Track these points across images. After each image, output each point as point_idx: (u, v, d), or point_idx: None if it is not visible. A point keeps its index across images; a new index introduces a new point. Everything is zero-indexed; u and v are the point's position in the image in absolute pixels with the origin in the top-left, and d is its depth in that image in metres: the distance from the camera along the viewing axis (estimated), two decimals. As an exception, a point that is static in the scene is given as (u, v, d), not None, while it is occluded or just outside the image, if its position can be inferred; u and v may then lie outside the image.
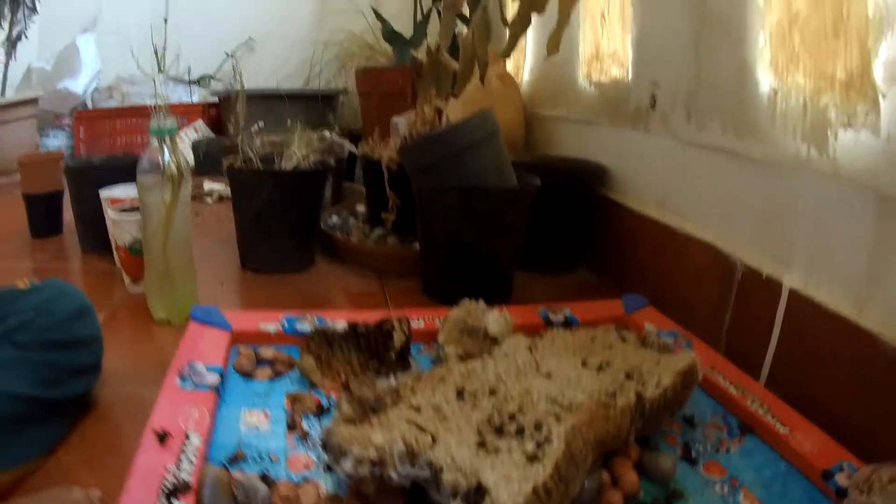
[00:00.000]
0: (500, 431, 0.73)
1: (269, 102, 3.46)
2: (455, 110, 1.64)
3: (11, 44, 3.41)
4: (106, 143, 3.80)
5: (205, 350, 1.00)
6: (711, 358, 1.06)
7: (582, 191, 1.64)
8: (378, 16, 3.11)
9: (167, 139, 1.24)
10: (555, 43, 1.43)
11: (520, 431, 0.72)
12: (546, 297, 1.37)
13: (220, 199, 2.49)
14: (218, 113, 3.93)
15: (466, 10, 1.81)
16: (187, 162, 1.27)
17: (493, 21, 1.43)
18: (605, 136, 1.73)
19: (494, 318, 1.05)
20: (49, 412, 0.85)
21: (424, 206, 1.40)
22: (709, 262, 1.23)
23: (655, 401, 0.80)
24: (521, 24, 1.46)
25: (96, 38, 4.06)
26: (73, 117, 3.91)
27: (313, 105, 3.62)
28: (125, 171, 1.68)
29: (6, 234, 2.04)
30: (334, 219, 1.90)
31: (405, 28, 3.07)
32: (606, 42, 1.80)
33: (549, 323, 1.18)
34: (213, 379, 0.91)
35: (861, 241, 0.91)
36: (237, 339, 1.08)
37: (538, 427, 0.71)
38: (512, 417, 0.74)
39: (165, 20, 4.26)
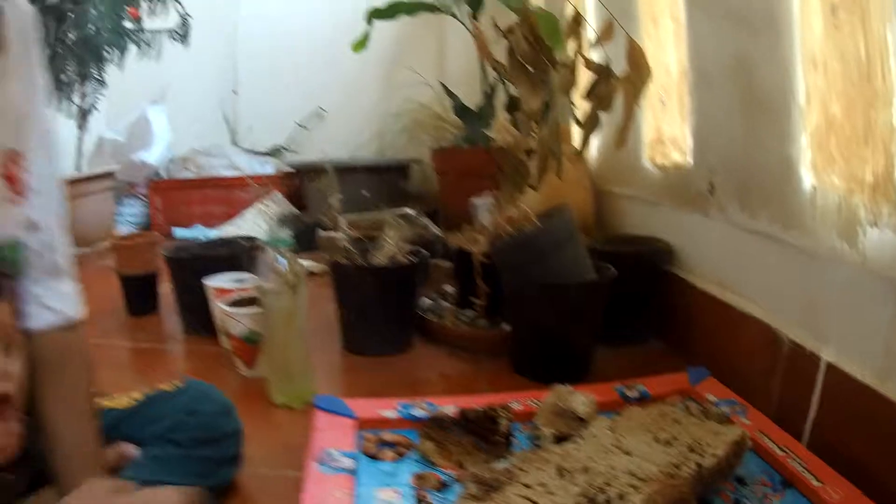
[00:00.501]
0: (592, 502, 0.99)
1: (343, 174, 3.76)
2: (531, 194, 1.91)
3: (82, 116, 3.78)
4: (183, 213, 4.13)
5: (336, 437, 1.27)
6: (761, 422, 1.32)
7: (650, 268, 1.90)
8: (446, 90, 3.40)
9: (282, 249, 1.54)
10: (622, 138, 1.72)
11: (608, 502, 0.98)
12: (620, 369, 1.65)
13: (310, 275, 2.70)
14: (293, 183, 4.22)
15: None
16: (302, 267, 1.57)
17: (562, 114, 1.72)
18: (671, 216, 1.97)
19: (581, 401, 1.32)
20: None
21: (514, 299, 1.68)
22: (761, 336, 1.48)
23: (712, 469, 1.06)
24: (591, 123, 1.75)
25: (166, 110, 4.38)
26: (148, 187, 4.25)
27: (387, 175, 3.90)
28: (224, 260, 2.01)
29: (103, 312, 2.29)
30: (426, 301, 2.15)
31: (471, 91, 3.33)
32: (667, 128, 2.05)
33: (625, 398, 1.45)
34: (348, 463, 1.18)
35: (883, 324, 1.16)
36: (361, 425, 1.34)
37: (622, 497, 0.98)
38: (601, 490, 1.00)
39: (235, 92, 4.59)
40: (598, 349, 1.79)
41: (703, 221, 1.78)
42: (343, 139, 4.49)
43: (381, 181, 3.83)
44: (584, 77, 1.79)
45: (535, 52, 1.81)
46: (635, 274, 1.83)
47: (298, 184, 4.20)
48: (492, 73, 3.06)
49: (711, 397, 1.41)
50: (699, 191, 1.77)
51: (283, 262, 1.53)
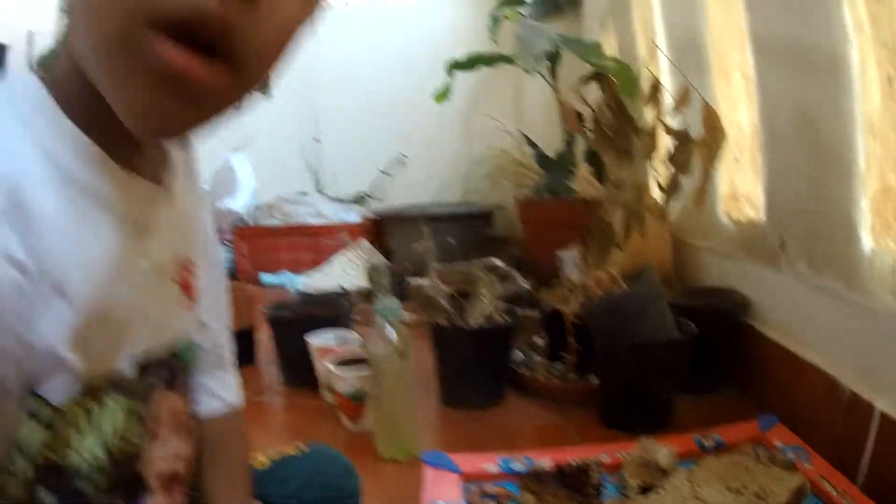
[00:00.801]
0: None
1: (428, 222, 3.95)
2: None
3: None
4: (270, 259, 4.40)
5: (443, 491, 1.47)
6: (822, 467, 1.48)
7: (726, 321, 2.05)
8: (527, 139, 3.62)
9: (391, 319, 1.76)
10: (700, 199, 1.92)
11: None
12: (698, 418, 1.84)
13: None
14: (377, 230, 4.45)
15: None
16: (407, 336, 1.79)
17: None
18: (745, 269, 2.12)
19: (664, 453, 1.50)
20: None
21: (603, 357, 1.87)
22: (823, 385, 1.65)
23: (777, 514, 1.27)
24: (672, 187, 1.95)
25: (250, 157, 4.65)
26: (233, 233, 4.51)
27: (471, 222, 4.11)
28: (323, 319, 2.24)
29: None
30: (519, 354, 2.31)
31: (550, 136, 3.53)
32: (741, 183, 2.19)
33: (702, 448, 1.62)
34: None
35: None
36: (466, 478, 1.54)
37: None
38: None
39: (317, 140, 4.87)
40: (678, 398, 1.96)
41: (774, 275, 1.93)
42: (425, 185, 4.73)
43: (465, 228, 4.02)
44: (664, 140, 2.01)
45: (619, 120, 2.03)
46: (713, 326, 1.98)
47: (383, 230, 4.43)
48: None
49: (779, 443, 1.58)
50: (771, 246, 1.92)
51: (392, 331, 1.75)
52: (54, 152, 0.61)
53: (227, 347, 1.06)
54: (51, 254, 0.59)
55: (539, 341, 2.35)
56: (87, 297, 0.62)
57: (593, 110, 2.09)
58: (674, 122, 2.05)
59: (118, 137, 0.62)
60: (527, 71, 2.78)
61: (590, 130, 2.08)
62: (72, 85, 0.63)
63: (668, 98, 2.07)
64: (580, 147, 3.22)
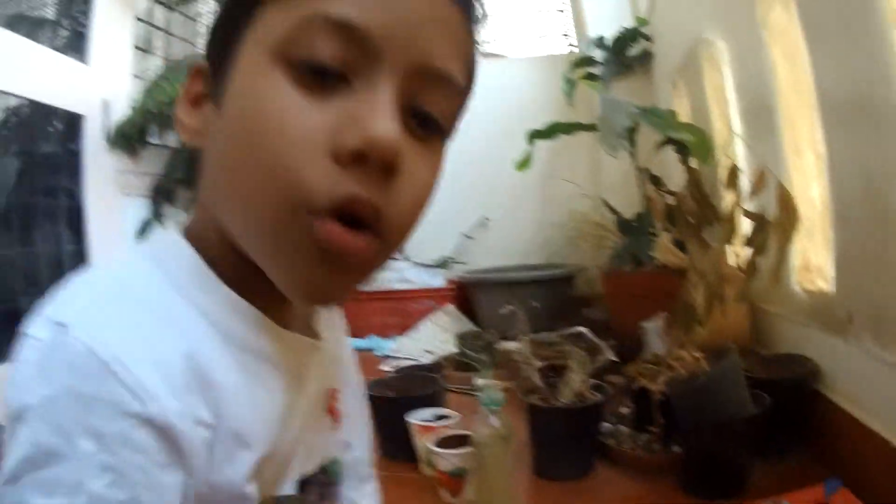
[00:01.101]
0: None
1: (513, 286, 4.17)
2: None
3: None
4: (358, 324, 4.41)
5: None
6: None
7: (798, 388, 2.13)
8: (607, 205, 3.72)
9: (496, 409, 1.88)
10: (775, 277, 2.02)
11: None
12: (769, 483, 1.93)
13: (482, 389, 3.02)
14: (462, 294, 4.59)
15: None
16: (509, 423, 1.91)
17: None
18: (818, 338, 2.18)
19: None
20: None
21: (686, 431, 1.98)
22: (886, 454, 1.70)
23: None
24: (751, 270, 2.06)
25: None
26: (320, 300, 4.65)
27: (554, 286, 4.25)
28: (421, 399, 2.40)
29: None
30: (606, 425, 2.39)
31: (630, 201, 3.61)
32: (813, 256, 2.25)
33: None
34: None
35: None
36: None
37: None
38: None
39: (402, 206, 4.97)
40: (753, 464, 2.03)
41: (844, 345, 1.98)
42: (507, 248, 4.87)
43: (549, 290, 4.17)
44: (742, 222, 2.12)
45: (701, 208, 2.15)
46: (786, 395, 2.06)
47: (468, 294, 4.57)
48: (649, 189, 3.35)
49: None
50: (839, 318, 1.98)
51: (495, 420, 1.87)
52: (221, 321, 0.72)
53: (367, 461, 1.16)
54: (232, 412, 0.69)
55: (625, 410, 2.44)
56: (263, 444, 0.73)
57: (678, 199, 2.22)
58: (751, 205, 2.16)
59: (271, 299, 0.74)
60: (610, 152, 2.90)
61: (670, 224, 2.20)
62: (222, 251, 0.74)
63: (745, 181, 2.19)
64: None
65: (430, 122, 0.73)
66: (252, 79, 0.66)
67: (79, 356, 0.60)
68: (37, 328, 0.64)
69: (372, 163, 0.64)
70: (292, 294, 0.71)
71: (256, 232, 0.69)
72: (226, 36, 0.71)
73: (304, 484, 0.85)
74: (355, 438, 1.09)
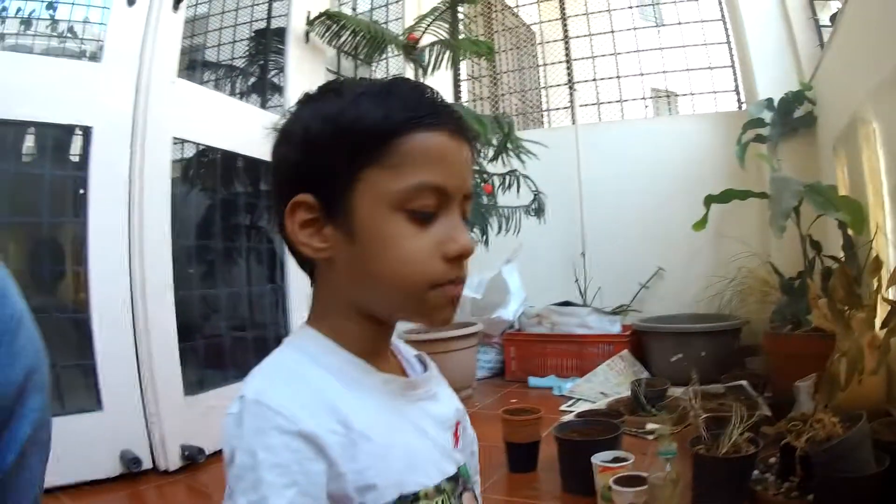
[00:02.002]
0: None
1: (683, 336, 4.51)
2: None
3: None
4: (536, 364, 5.02)
5: None
6: None
7: None
8: (773, 268, 4.07)
9: (670, 458, 2.30)
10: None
11: None
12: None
13: (656, 438, 3.14)
14: (637, 340, 4.94)
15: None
16: (679, 470, 2.31)
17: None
18: None
19: None
20: None
21: (819, 484, 2.31)
22: None
23: None
24: (884, 350, 2.40)
25: (519, 268, 5.28)
26: (503, 337, 5.16)
27: (721, 337, 4.55)
28: (604, 443, 2.80)
29: (487, 468, 3.02)
30: (756, 472, 2.68)
31: (794, 262, 3.91)
32: None
33: None
34: None
35: None
36: None
37: None
38: None
39: (583, 254, 5.50)
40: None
41: None
42: (680, 299, 5.21)
43: (716, 341, 4.49)
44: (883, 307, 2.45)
45: (847, 296, 2.53)
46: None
47: (642, 341, 4.91)
48: (811, 252, 3.68)
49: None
50: None
51: (669, 466, 2.28)
52: (340, 371, 1.09)
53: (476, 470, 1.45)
54: (354, 423, 1.02)
55: (773, 461, 2.73)
56: (381, 436, 1.07)
57: (829, 288, 2.60)
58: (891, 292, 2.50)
59: (372, 356, 1.15)
60: (777, 234, 3.20)
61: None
62: (345, 330, 1.12)
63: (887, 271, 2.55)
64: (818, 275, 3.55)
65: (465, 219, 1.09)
66: (383, 222, 1.02)
67: (254, 405, 0.95)
68: (231, 405, 0.99)
69: (464, 258, 1.04)
70: (430, 325, 1.13)
71: (407, 302, 1.07)
72: (334, 182, 1.04)
73: (453, 478, 1.18)
74: (468, 455, 1.39)
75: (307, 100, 1.12)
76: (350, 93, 1.07)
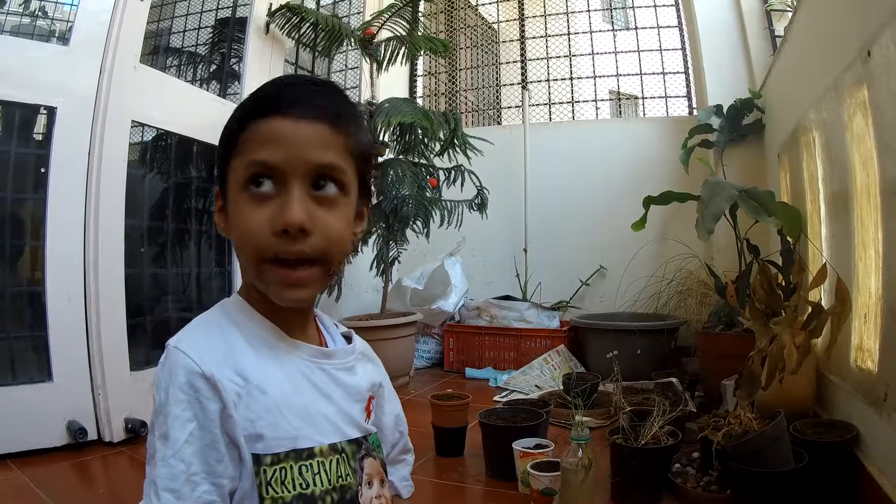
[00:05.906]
0: None
1: (620, 333, 4.57)
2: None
3: (388, 266, 4.90)
4: (475, 355, 5.09)
5: None
6: None
7: (838, 451, 2.45)
8: (709, 270, 4.14)
9: (583, 444, 2.34)
10: (829, 355, 2.44)
11: None
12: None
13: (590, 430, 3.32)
14: (574, 336, 5.02)
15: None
16: (592, 456, 2.35)
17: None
18: (863, 410, 2.44)
19: None
20: None
21: (736, 477, 2.37)
22: None
23: None
24: (805, 350, 2.44)
25: (461, 261, 5.38)
26: (443, 328, 5.25)
27: (657, 336, 4.61)
28: (527, 430, 2.86)
29: (416, 452, 2.99)
30: (676, 465, 2.77)
31: (734, 265, 3.96)
32: (866, 339, 2.51)
33: None
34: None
35: None
36: None
37: None
38: None
39: (525, 250, 5.56)
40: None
41: (880, 420, 2.25)
42: (620, 297, 5.28)
43: (652, 340, 4.56)
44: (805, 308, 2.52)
45: (770, 298, 2.61)
46: (826, 456, 2.39)
47: (579, 337, 4.99)
48: (747, 257, 3.73)
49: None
50: (877, 395, 2.26)
51: (581, 451, 2.31)
52: (249, 330, 1.22)
53: (401, 449, 1.60)
54: (254, 377, 1.14)
55: (696, 455, 2.82)
56: (276, 393, 1.17)
57: (752, 289, 2.70)
58: (810, 294, 2.57)
59: (285, 324, 1.26)
60: (703, 237, 3.23)
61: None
62: (251, 297, 1.24)
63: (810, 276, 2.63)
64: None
65: (327, 193, 1.17)
66: (234, 202, 1.17)
67: (172, 351, 1.10)
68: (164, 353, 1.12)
69: (292, 232, 1.10)
70: (278, 302, 1.19)
71: (252, 274, 1.18)
72: (222, 175, 1.22)
73: (356, 443, 1.29)
74: (388, 434, 1.52)
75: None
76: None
